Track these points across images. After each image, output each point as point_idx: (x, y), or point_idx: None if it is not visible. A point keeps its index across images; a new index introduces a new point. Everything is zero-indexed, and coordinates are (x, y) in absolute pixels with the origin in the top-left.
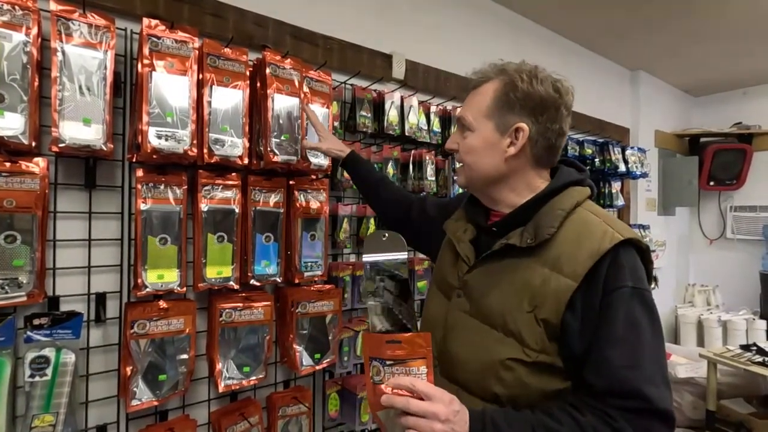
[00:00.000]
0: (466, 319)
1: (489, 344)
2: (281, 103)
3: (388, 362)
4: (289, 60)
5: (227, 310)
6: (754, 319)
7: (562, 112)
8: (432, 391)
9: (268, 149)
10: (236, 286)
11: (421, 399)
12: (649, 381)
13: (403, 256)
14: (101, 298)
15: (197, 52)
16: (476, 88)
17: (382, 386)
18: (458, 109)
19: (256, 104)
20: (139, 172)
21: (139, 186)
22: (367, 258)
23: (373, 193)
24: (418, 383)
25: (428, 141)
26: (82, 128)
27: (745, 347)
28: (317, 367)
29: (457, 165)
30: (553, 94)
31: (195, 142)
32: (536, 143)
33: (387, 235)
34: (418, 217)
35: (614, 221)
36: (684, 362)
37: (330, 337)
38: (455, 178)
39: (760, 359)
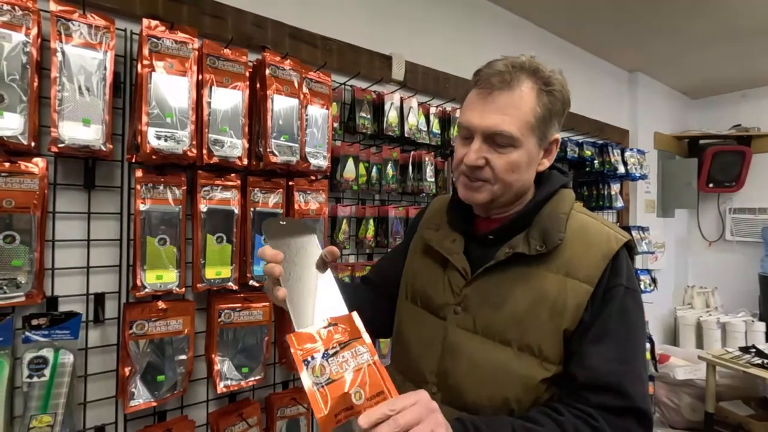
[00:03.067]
0: (471, 337)
1: (503, 362)
2: (281, 103)
3: (330, 351)
4: (288, 61)
5: (226, 311)
6: (753, 321)
7: None
8: (408, 398)
9: (268, 150)
10: (235, 287)
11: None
12: (632, 377)
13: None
14: (100, 299)
15: (197, 52)
16: (505, 91)
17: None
18: (464, 113)
19: (256, 105)
20: (139, 173)
21: (139, 186)
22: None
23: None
24: (395, 403)
25: (428, 142)
26: (81, 128)
27: (744, 349)
28: None
29: (475, 182)
30: (568, 98)
31: (194, 142)
32: None
33: (285, 221)
34: (382, 281)
35: (607, 222)
36: (683, 364)
37: None
38: (471, 194)
39: (759, 361)
